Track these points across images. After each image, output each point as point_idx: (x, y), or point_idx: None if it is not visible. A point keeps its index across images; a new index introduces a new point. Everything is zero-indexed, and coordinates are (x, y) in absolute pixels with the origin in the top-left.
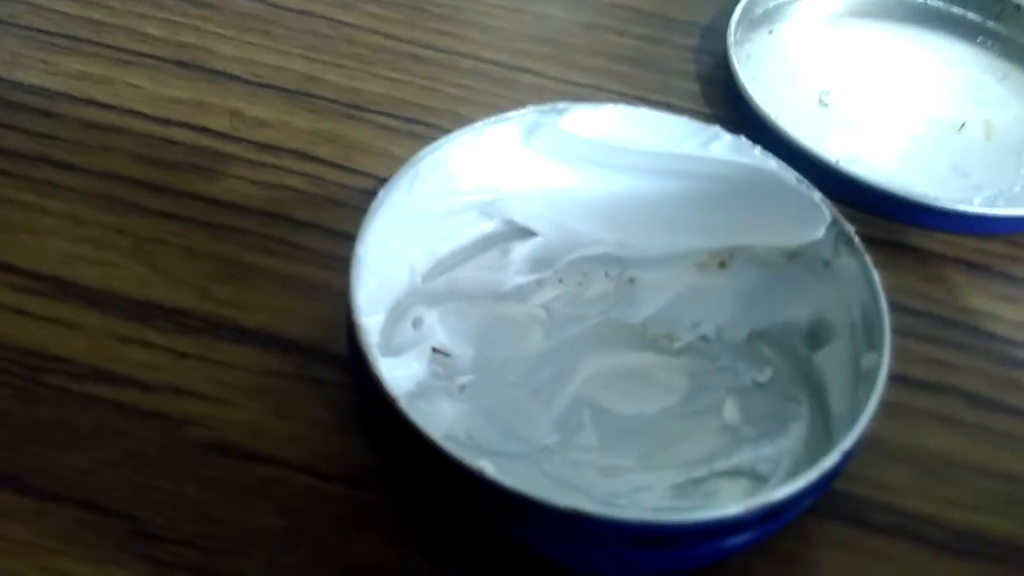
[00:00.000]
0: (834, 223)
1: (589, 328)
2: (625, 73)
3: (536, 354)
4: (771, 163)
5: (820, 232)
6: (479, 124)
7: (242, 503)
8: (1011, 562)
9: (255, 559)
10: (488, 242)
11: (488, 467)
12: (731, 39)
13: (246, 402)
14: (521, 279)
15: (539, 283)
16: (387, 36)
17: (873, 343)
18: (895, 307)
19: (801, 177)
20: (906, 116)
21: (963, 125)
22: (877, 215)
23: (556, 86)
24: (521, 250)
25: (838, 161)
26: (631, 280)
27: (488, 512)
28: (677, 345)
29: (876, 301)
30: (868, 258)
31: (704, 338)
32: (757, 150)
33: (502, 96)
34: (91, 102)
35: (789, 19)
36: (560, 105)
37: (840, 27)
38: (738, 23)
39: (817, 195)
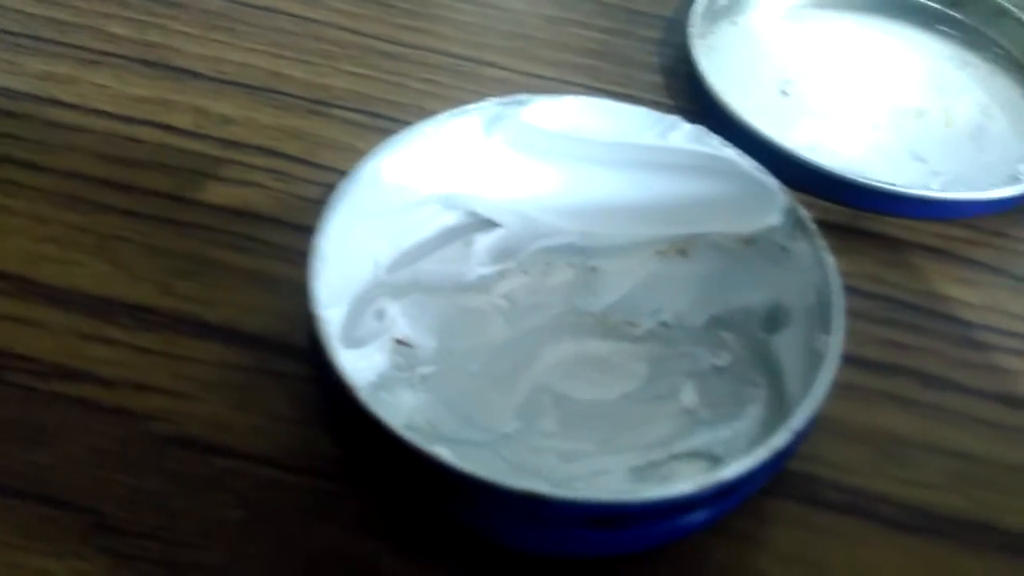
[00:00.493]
0: (790, 209)
1: (551, 317)
2: (589, 66)
3: (498, 343)
4: (729, 152)
5: (776, 218)
6: (440, 117)
7: (203, 495)
8: (961, 537)
9: (216, 550)
10: (451, 234)
11: (445, 452)
12: (693, 31)
13: (207, 396)
14: (484, 270)
15: (502, 274)
16: (353, 32)
17: (827, 326)
18: (852, 291)
19: (758, 165)
20: (867, 104)
21: (923, 112)
22: (837, 202)
23: (521, 79)
24: (484, 241)
25: (797, 149)
26: (593, 269)
27: (446, 498)
28: (638, 332)
29: (829, 284)
30: (822, 242)
31: (664, 324)
32: (715, 139)
33: (467, 90)
34: (55, 102)
35: (752, 11)
36: (521, 97)
37: (803, 18)
38: (701, 15)
39: (773, 182)
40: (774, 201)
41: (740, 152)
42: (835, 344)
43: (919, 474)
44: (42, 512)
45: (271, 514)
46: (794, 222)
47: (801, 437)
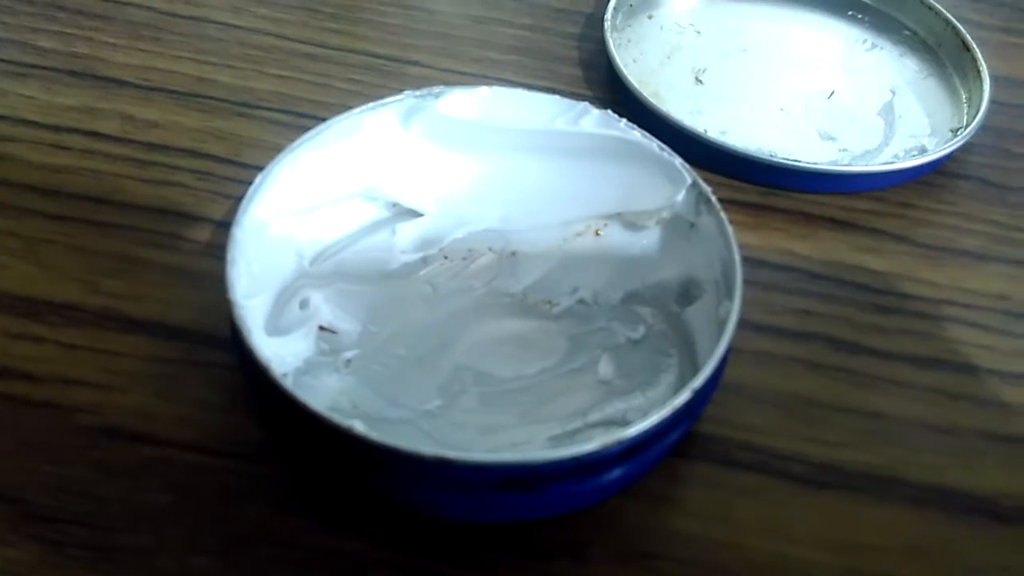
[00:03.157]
0: (693, 185)
1: (472, 299)
2: (512, 62)
3: (421, 327)
4: (635, 134)
5: (682, 194)
6: (357, 110)
7: (129, 482)
8: (870, 490)
9: (143, 533)
10: (374, 225)
11: (358, 425)
12: (608, 24)
13: (133, 388)
14: (407, 257)
15: (425, 260)
16: (278, 36)
17: (730, 293)
18: (762, 264)
19: (663, 145)
20: (778, 88)
21: (832, 93)
22: (748, 181)
23: (444, 77)
24: (407, 231)
25: (706, 131)
26: (513, 253)
27: (365, 471)
28: (556, 310)
29: (731, 253)
30: (724, 215)
31: (582, 302)
32: (623, 123)
33: (391, 88)
34: None
35: (667, 4)
36: (436, 89)
37: (717, 9)
38: (615, 9)
39: (678, 160)
40: (679, 178)
41: (646, 134)
42: (735, 308)
43: (829, 433)
44: None
45: (197, 497)
46: (698, 197)
47: (703, 396)
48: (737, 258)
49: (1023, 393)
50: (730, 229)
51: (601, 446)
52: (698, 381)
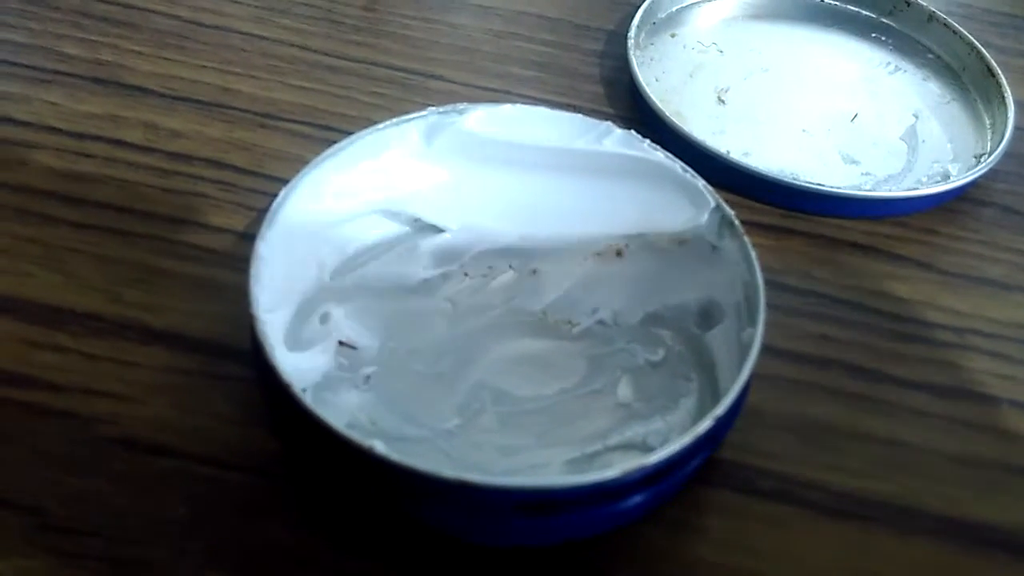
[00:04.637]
0: (717, 208)
1: (492, 317)
2: (533, 78)
3: (440, 344)
4: (658, 155)
5: (704, 217)
6: (381, 126)
7: (147, 494)
8: (890, 521)
9: (159, 547)
10: (395, 240)
11: (379, 445)
12: (631, 42)
13: (152, 399)
14: (427, 273)
15: (445, 277)
16: (302, 48)
17: (754, 319)
18: (785, 288)
19: (686, 167)
20: (800, 110)
21: (856, 116)
22: (770, 203)
23: (466, 91)
24: (427, 246)
25: (729, 153)
26: (533, 271)
27: (384, 491)
28: (576, 330)
29: (754, 278)
30: (747, 239)
31: (602, 323)
32: (646, 143)
33: (414, 102)
34: (8, 120)
35: (690, 23)
36: (460, 106)
37: (739, 28)
38: (639, 27)
39: (701, 182)
40: (702, 201)
41: (669, 155)
42: (758, 335)
43: (849, 461)
44: None
45: (214, 511)
46: (721, 221)
47: (725, 424)
48: (761, 284)
49: None
50: (754, 254)
51: (623, 472)
52: (721, 409)
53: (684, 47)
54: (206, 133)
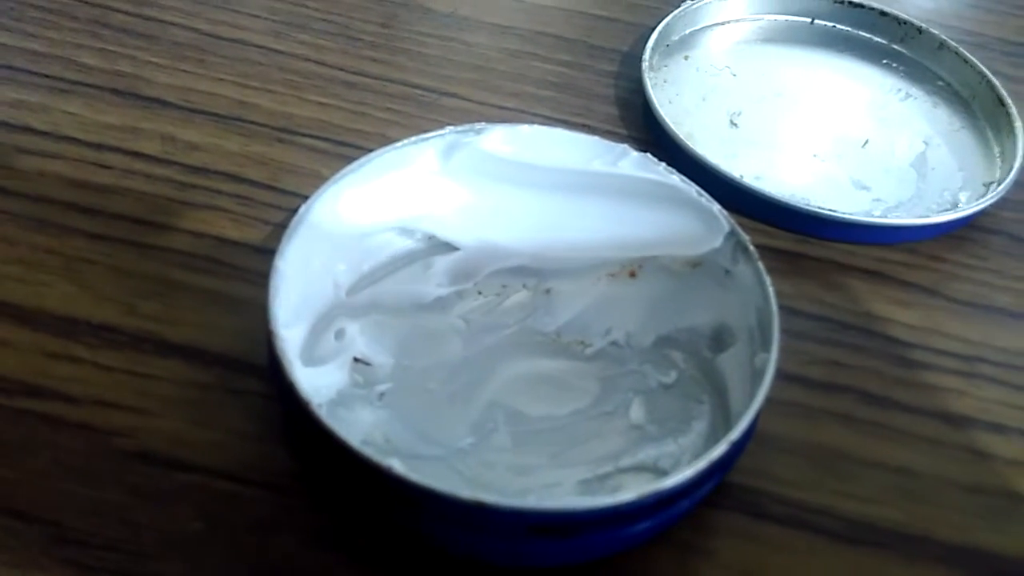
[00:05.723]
0: (731, 233)
1: (506, 337)
2: (548, 97)
3: (454, 362)
4: (674, 178)
5: (719, 242)
6: (399, 144)
7: (163, 508)
8: (900, 549)
9: (175, 561)
10: (410, 257)
11: (396, 464)
12: (645, 64)
13: (169, 412)
14: (442, 291)
15: (459, 295)
16: (318, 63)
17: (767, 344)
18: (796, 313)
19: (701, 190)
20: (812, 134)
21: (867, 142)
22: (781, 228)
23: (481, 110)
24: (442, 264)
25: (742, 177)
26: (547, 291)
27: (399, 509)
28: (589, 351)
29: (768, 304)
30: (762, 265)
31: (615, 344)
32: (662, 166)
33: (429, 119)
34: (27, 129)
35: (704, 45)
36: (478, 126)
37: (752, 52)
38: (653, 50)
39: (716, 207)
40: (717, 225)
41: (684, 179)
42: (772, 360)
43: (859, 488)
44: (6, 525)
45: (229, 526)
46: (735, 245)
47: (739, 449)
48: (775, 310)
49: None
50: (768, 280)
51: (638, 496)
52: (735, 434)
53: (697, 70)
54: (223, 146)
